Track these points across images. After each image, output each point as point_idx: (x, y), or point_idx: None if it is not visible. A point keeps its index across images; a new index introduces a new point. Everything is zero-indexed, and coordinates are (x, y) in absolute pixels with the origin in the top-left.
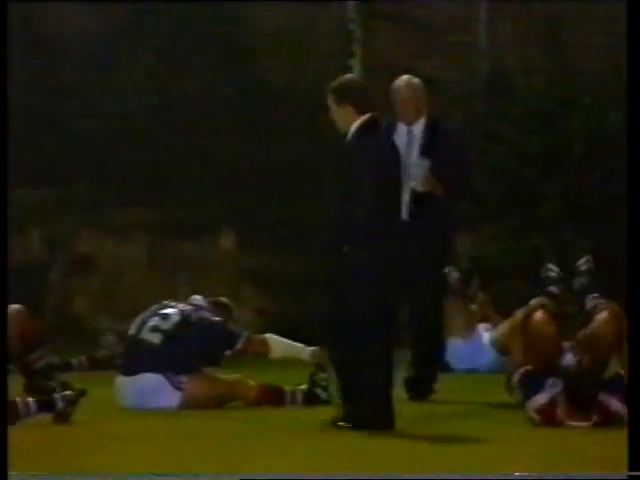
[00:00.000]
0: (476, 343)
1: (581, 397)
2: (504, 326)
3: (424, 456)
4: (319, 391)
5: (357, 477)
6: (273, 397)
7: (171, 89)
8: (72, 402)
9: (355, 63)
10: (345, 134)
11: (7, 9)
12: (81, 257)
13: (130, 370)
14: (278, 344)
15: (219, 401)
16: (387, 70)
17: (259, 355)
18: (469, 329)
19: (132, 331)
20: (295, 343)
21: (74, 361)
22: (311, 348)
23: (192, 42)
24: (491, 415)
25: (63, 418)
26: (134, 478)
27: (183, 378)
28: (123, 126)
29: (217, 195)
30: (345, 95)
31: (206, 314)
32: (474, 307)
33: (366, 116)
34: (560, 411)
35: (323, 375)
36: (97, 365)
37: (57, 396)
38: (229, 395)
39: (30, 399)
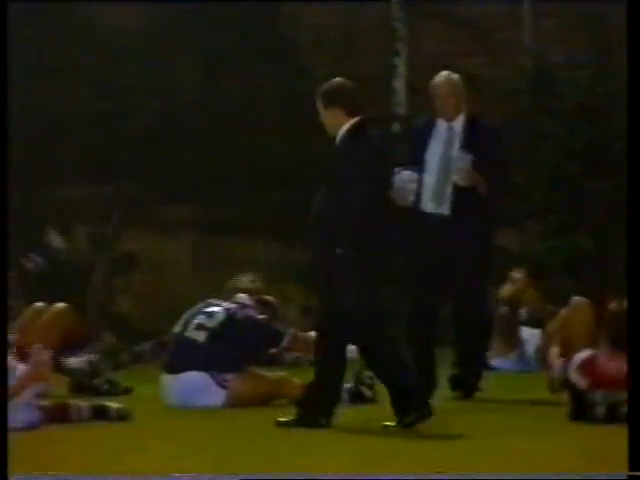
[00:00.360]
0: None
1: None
2: (545, 339)
3: (470, 455)
4: (364, 389)
5: (357, 477)
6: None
7: (216, 86)
8: (124, 416)
9: (399, 61)
10: (334, 137)
11: (7, 9)
12: (126, 255)
13: (175, 368)
14: None
15: (264, 399)
16: (432, 68)
17: (304, 353)
18: (512, 348)
19: (177, 329)
20: None
21: (146, 346)
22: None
23: (237, 39)
24: (537, 412)
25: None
26: (135, 478)
27: (228, 376)
28: (169, 123)
29: (263, 193)
30: (335, 98)
31: (251, 312)
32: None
33: (355, 119)
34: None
35: (368, 373)
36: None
37: (111, 406)
38: (274, 393)
39: (83, 404)
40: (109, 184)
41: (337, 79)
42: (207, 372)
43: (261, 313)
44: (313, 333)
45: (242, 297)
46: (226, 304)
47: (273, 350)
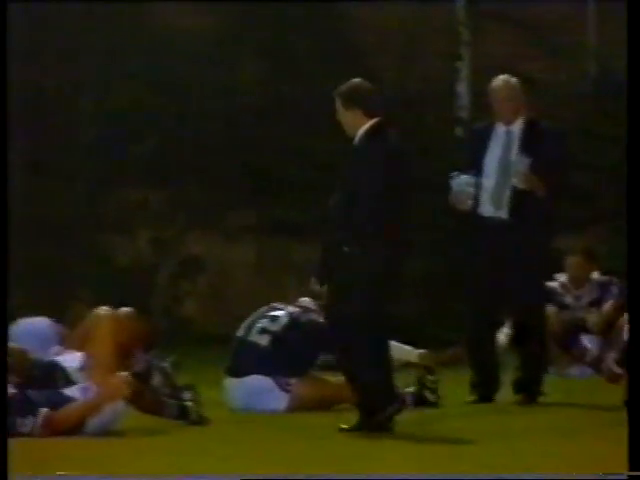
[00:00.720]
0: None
1: None
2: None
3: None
4: (427, 393)
5: (357, 477)
6: None
7: (280, 90)
8: (202, 420)
9: (463, 64)
10: (352, 138)
11: (7, 8)
12: (190, 259)
13: (238, 372)
14: None
15: (326, 404)
16: (495, 71)
17: None
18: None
19: (240, 333)
20: (403, 345)
21: None
22: (419, 350)
23: (301, 42)
24: (600, 417)
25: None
26: (135, 478)
27: (291, 380)
28: (233, 127)
29: (326, 196)
30: (354, 99)
31: (314, 316)
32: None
33: (374, 120)
34: None
35: (431, 377)
36: None
37: (192, 409)
38: (337, 398)
39: (173, 402)
40: (173, 188)
41: (356, 80)
42: (270, 376)
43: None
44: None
45: (305, 301)
46: (289, 308)
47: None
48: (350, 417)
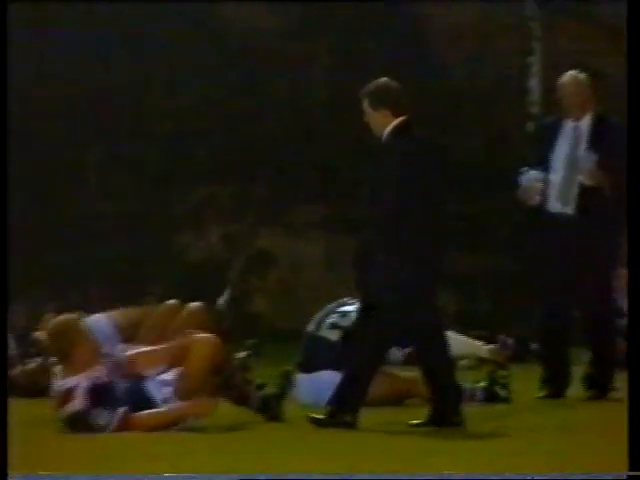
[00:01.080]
0: None
1: None
2: None
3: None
4: (498, 389)
5: (358, 477)
6: None
7: (348, 86)
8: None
9: (534, 60)
10: (380, 137)
11: (7, 8)
12: (259, 255)
13: (308, 367)
14: (457, 342)
15: (397, 398)
16: (566, 67)
17: None
18: None
19: (311, 328)
20: (474, 341)
21: None
22: (490, 346)
23: (371, 39)
24: None
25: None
26: (135, 478)
27: None
28: (301, 123)
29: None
30: (382, 99)
31: None
32: None
33: (401, 119)
34: None
35: (502, 373)
36: None
37: (274, 402)
38: (407, 392)
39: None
40: (244, 184)
41: (382, 79)
42: (340, 371)
43: None
44: (450, 333)
45: None
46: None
47: (407, 349)
48: (419, 412)
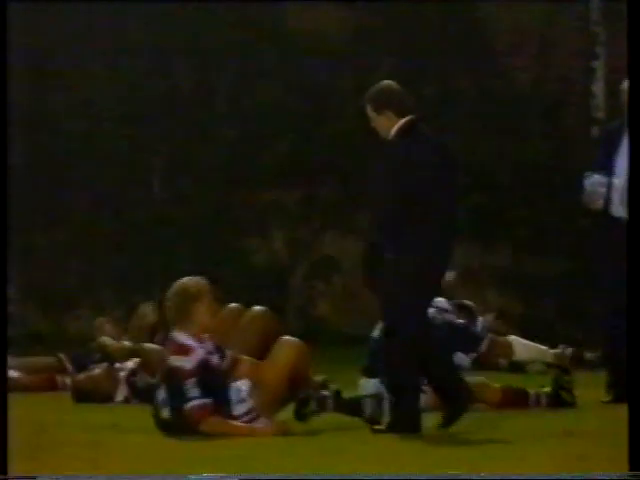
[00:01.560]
0: None
1: None
2: None
3: None
4: (563, 393)
5: (358, 477)
6: (517, 400)
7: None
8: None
9: (598, 64)
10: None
11: (7, 9)
12: (324, 259)
13: (375, 372)
14: (522, 346)
15: None
16: None
17: (503, 357)
18: None
19: (377, 333)
20: (539, 345)
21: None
22: (555, 350)
23: (433, 41)
24: None
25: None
26: (134, 478)
27: (427, 380)
28: (365, 126)
29: (461, 195)
30: (384, 102)
31: (450, 317)
32: None
33: (405, 119)
34: None
35: (567, 378)
36: None
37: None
38: (473, 398)
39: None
40: (308, 188)
41: (384, 82)
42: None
43: (459, 317)
44: (512, 337)
45: (441, 301)
46: None
47: (472, 355)
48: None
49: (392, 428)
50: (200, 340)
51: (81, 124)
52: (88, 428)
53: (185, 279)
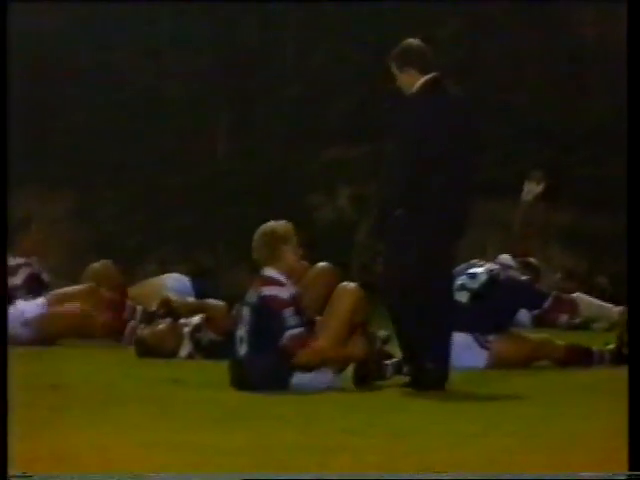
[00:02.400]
0: None
1: None
2: None
3: None
4: (627, 350)
5: (357, 477)
6: (581, 357)
7: (476, 47)
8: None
9: None
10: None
11: (7, 9)
12: (391, 213)
13: None
14: (586, 304)
15: (526, 361)
16: None
17: (568, 315)
18: None
19: None
20: (603, 303)
21: None
22: (619, 307)
23: (509, 47)
24: None
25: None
26: (134, 478)
27: (490, 337)
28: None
29: (523, 152)
30: (407, 60)
31: (514, 273)
32: None
33: (428, 76)
34: None
35: None
36: None
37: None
38: (536, 355)
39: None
40: (373, 144)
41: (407, 40)
42: (469, 333)
43: (524, 275)
44: (577, 295)
45: (505, 258)
46: (489, 265)
47: (536, 312)
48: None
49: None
50: (289, 278)
51: (146, 80)
52: (152, 383)
53: (272, 222)
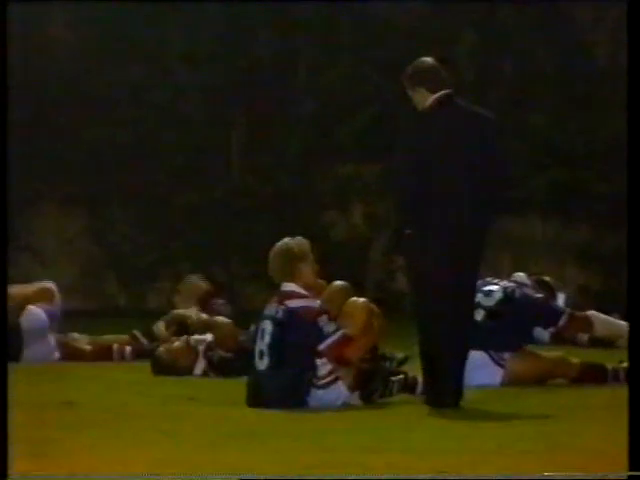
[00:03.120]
0: None
1: None
2: None
3: None
4: None
5: (357, 477)
6: (596, 375)
7: (488, 64)
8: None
9: None
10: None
11: (7, 9)
12: (403, 232)
13: None
14: (601, 322)
15: (541, 378)
16: None
17: (582, 332)
18: None
19: None
20: (618, 321)
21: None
22: None
23: (511, 16)
24: None
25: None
26: (134, 478)
27: (505, 355)
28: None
29: (536, 171)
30: (417, 79)
31: (529, 291)
32: None
33: (438, 94)
34: None
35: None
36: None
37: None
38: (551, 373)
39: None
40: (387, 161)
41: (419, 59)
42: (485, 351)
43: (539, 292)
44: (591, 313)
45: (520, 276)
46: (504, 283)
47: (551, 329)
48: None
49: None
50: (309, 292)
51: (161, 96)
52: (167, 400)
53: (287, 239)
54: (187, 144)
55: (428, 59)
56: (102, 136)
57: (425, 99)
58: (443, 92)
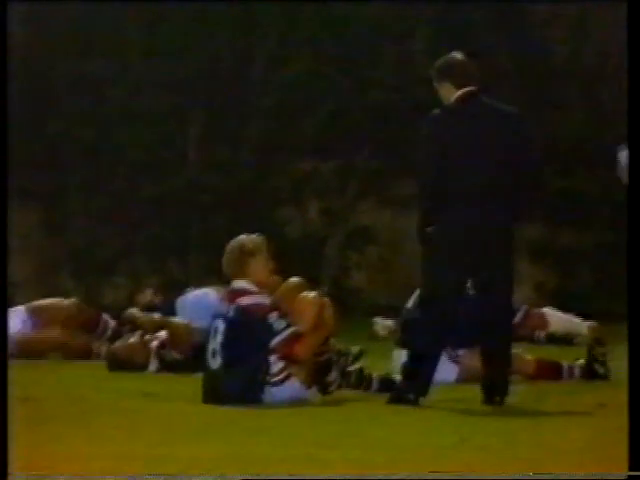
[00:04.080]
0: None
1: None
2: None
3: None
4: (597, 366)
5: (357, 477)
6: (551, 372)
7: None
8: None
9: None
10: None
11: (7, 9)
12: (359, 230)
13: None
14: (556, 318)
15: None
16: None
17: (538, 329)
18: None
19: (410, 305)
20: (574, 318)
21: None
22: (589, 322)
23: (467, 13)
24: None
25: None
26: (134, 478)
27: (460, 351)
28: (406, 97)
29: None
30: (444, 73)
31: None
32: None
33: (463, 90)
34: None
35: (601, 350)
36: None
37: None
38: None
39: None
40: (343, 158)
41: (451, 54)
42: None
43: None
44: (547, 310)
45: None
46: None
47: None
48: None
49: (399, 394)
50: (260, 289)
51: (119, 91)
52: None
53: (242, 236)
54: (144, 138)
55: (458, 54)
56: (59, 130)
57: (451, 94)
58: (467, 89)
